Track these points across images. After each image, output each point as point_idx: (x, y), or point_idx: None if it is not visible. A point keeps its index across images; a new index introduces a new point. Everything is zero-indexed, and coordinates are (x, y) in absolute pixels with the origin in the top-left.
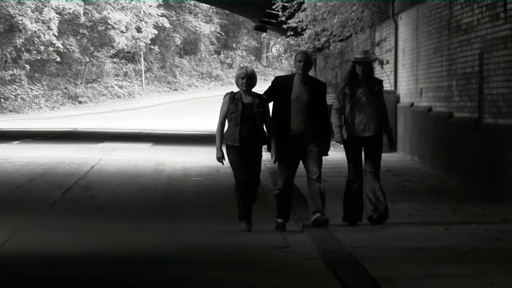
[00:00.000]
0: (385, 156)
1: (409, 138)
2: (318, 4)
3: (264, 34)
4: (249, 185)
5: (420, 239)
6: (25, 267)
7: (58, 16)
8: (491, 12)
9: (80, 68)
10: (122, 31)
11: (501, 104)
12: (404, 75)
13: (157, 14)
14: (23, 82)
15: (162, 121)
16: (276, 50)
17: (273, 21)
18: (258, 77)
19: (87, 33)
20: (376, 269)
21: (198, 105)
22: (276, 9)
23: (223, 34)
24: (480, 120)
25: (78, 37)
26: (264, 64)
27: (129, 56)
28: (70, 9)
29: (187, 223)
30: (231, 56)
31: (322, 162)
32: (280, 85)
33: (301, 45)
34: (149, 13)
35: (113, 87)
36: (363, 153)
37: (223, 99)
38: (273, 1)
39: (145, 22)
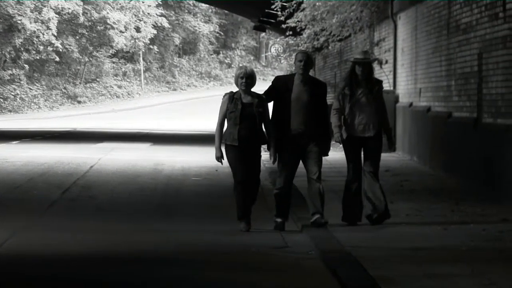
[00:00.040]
0: (384, 156)
1: (408, 138)
2: (317, 4)
3: (263, 34)
4: (249, 186)
5: (419, 239)
6: (24, 267)
7: (57, 16)
8: (490, 12)
9: (79, 68)
10: (121, 31)
11: (500, 104)
12: (403, 75)
13: (156, 14)
14: (22, 82)
15: (161, 121)
16: (275, 50)
17: (272, 21)
18: (257, 77)
19: (86, 33)
20: (375, 269)
21: (197, 105)
22: (275, 9)
23: (222, 34)
24: (479, 120)
25: (77, 37)
26: (263, 64)
27: (128, 56)
28: (69, 9)
29: (186, 223)
30: (230, 56)
31: (322, 162)
32: (280, 85)
33: (300, 45)
34: (148, 13)
35: (112, 87)
36: (362, 153)
37: (223, 98)
38: (272, 1)
39: (144, 22)
